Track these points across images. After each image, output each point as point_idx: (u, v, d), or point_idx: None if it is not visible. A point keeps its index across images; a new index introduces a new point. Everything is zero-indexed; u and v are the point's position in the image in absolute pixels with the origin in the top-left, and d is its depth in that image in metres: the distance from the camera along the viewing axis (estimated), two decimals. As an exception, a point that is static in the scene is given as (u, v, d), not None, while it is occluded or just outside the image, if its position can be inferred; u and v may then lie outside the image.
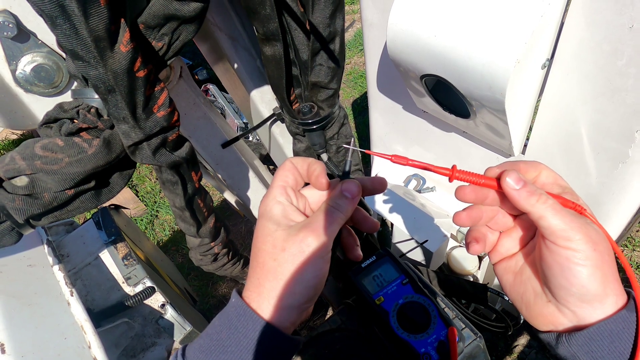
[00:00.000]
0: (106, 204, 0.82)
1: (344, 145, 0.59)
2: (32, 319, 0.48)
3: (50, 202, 0.36)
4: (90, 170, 0.36)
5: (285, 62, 0.53)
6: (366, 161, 2.85)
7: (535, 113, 0.89)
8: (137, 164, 0.43)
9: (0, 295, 0.50)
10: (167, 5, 0.37)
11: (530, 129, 0.91)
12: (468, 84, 0.85)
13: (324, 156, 0.68)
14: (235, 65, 0.59)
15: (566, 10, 0.68)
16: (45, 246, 0.58)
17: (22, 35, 0.41)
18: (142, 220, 2.73)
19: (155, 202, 2.74)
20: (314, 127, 0.62)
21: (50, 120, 0.38)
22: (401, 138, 1.43)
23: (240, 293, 0.32)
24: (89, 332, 0.48)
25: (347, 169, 0.36)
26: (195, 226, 0.51)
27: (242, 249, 2.71)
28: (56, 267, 0.55)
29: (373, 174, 1.67)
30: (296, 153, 0.69)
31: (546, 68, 0.79)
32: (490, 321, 1.19)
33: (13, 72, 0.42)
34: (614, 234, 0.93)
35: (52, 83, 0.43)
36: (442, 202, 1.41)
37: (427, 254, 1.19)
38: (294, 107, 0.61)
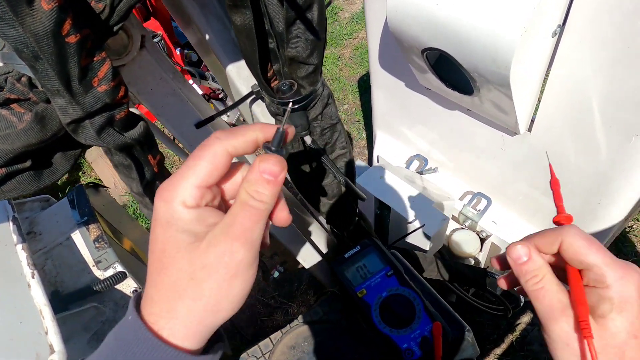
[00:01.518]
0: (84, 182, 0.80)
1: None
2: (-12, 301, 0.46)
3: (-21, 183, 0.33)
4: (20, 149, 0.33)
5: (258, 33, 0.48)
6: (370, 144, 2.77)
7: (543, 87, 0.83)
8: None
9: (-42, 275, 0.48)
10: (102, -40, 0.32)
11: (538, 104, 0.86)
12: (470, 57, 0.79)
13: (307, 139, 0.63)
14: (207, 37, 0.54)
15: (583, -33, 0.60)
16: (11, 223, 0.56)
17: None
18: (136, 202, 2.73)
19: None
20: (295, 107, 0.57)
21: (-21, 90, 0.34)
22: (404, 116, 1.38)
23: (138, 306, 0.27)
24: (47, 317, 0.46)
25: (273, 146, 0.27)
26: (158, 212, 0.47)
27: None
28: (19, 247, 0.53)
29: (375, 155, 1.62)
30: (278, 134, 0.65)
31: (557, 36, 0.72)
32: (491, 303, 1.16)
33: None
34: (624, 211, 0.89)
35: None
36: (444, 183, 1.37)
37: (426, 237, 1.16)
38: (272, 85, 0.56)
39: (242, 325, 2.09)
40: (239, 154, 0.27)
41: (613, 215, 0.87)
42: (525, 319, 1.81)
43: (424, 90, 1.14)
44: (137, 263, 0.71)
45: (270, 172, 0.26)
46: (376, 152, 1.57)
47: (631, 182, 0.82)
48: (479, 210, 1.24)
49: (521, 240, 0.34)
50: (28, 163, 0.35)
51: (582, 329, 0.28)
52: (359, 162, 1.34)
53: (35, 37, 0.29)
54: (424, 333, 0.57)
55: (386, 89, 1.35)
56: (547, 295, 0.29)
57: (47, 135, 0.34)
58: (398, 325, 0.53)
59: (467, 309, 1.19)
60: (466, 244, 1.24)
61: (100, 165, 2.83)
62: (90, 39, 0.33)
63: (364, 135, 2.75)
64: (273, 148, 0.27)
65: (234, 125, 2.05)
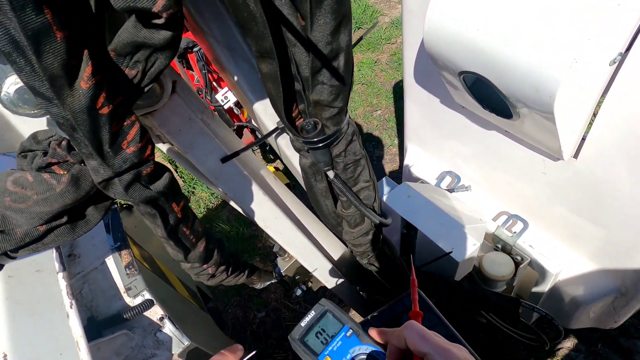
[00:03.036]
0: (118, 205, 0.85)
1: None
2: (33, 329, 0.50)
3: (22, 238, 0.36)
4: (58, 209, 0.35)
5: (284, 80, 0.48)
6: (402, 151, 2.70)
7: (595, 112, 0.78)
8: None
9: (8, 302, 0.53)
10: (135, 34, 0.33)
11: (588, 130, 0.80)
12: (511, 85, 0.76)
13: (330, 173, 0.63)
14: (236, 78, 0.55)
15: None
16: (54, 251, 0.60)
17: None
18: (179, 197, 2.83)
19: (193, 178, 2.84)
20: (319, 145, 0.57)
21: (25, 150, 0.37)
22: (437, 131, 1.34)
23: None
24: (83, 349, 0.49)
25: None
26: (182, 253, 0.49)
27: (259, 256, 2.71)
28: (60, 275, 0.57)
29: (404, 169, 1.59)
30: (302, 168, 0.65)
31: (616, 64, 0.67)
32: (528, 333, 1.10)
33: (-2, 94, 0.41)
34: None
35: (37, 105, 0.42)
36: (477, 202, 1.31)
37: (453, 263, 1.12)
38: (297, 123, 0.56)
39: (268, 328, 2.13)
40: None
41: (671, 253, 0.81)
42: (568, 344, 1.69)
43: (459, 108, 1.09)
44: (164, 286, 0.74)
45: None
46: (406, 165, 1.53)
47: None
48: (515, 232, 1.18)
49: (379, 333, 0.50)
50: (65, 219, 0.37)
51: None
52: (388, 180, 1.32)
53: (73, 113, 0.31)
54: None
55: (420, 103, 1.32)
56: None
57: (81, 194, 0.36)
58: None
59: (500, 337, 1.13)
60: (499, 267, 1.19)
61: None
62: (122, 106, 0.35)
63: (396, 142, 2.70)
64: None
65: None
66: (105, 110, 0.33)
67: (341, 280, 1.02)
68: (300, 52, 0.46)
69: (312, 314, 0.59)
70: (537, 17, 0.64)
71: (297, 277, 0.96)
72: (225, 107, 1.90)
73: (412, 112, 1.48)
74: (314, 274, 0.93)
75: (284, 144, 0.66)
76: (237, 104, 1.99)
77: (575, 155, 0.88)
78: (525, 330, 0.97)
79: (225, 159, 0.59)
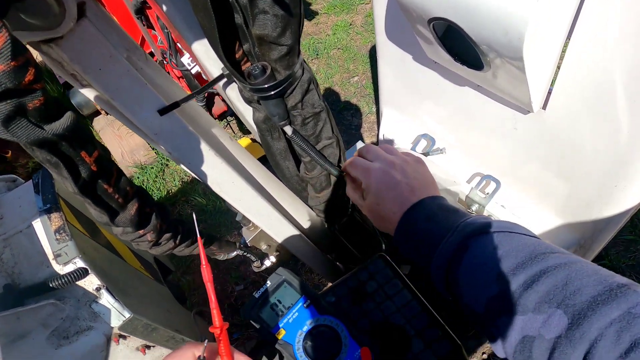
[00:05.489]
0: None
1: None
2: None
3: None
4: None
5: (219, 6, 0.40)
6: (380, 119, 2.65)
7: (561, 60, 0.76)
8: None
9: None
10: None
11: (554, 79, 0.77)
12: (480, 28, 0.74)
13: (288, 129, 0.56)
14: (165, 8, 0.46)
15: None
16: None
17: None
18: (152, 168, 2.73)
19: (165, 151, 2.71)
20: (271, 93, 0.49)
21: None
22: (412, 93, 1.32)
23: None
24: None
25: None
26: (106, 214, 0.42)
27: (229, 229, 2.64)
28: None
29: (380, 135, 1.54)
30: (256, 124, 0.58)
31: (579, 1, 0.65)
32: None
33: None
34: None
35: None
36: (451, 165, 1.31)
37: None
38: (243, 68, 0.48)
39: (246, 301, 2.10)
40: None
41: (629, 198, 0.83)
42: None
43: (432, 65, 1.06)
44: (110, 257, 0.67)
45: None
46: (382, 130, 1.50)
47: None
48: (487, 193, 1.18)
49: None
50: None
51: None
52: (360, 144, 1.27)
53: None
54: None
55: (393, 62, 1.28)
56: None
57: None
58: (326, 359, 0.48)
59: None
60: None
61: (107, 135, 2.81)
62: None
63: (374, 109, 2.63)
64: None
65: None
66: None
67: (313, 249, 0.97)
68: (234, -29, 0.38)
69: (267, 285, 0.56)
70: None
71: (264, 248, 0.91)
72: (193, 71, 1.75)
73: (386, 74, 1.45)
74: (282, 243, 0.88)
75: (234, 95, 0.58)
76: (207, 67, 1.85)
77: (544, 107, 0.87)
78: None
79: (163, 111, 0.51)
